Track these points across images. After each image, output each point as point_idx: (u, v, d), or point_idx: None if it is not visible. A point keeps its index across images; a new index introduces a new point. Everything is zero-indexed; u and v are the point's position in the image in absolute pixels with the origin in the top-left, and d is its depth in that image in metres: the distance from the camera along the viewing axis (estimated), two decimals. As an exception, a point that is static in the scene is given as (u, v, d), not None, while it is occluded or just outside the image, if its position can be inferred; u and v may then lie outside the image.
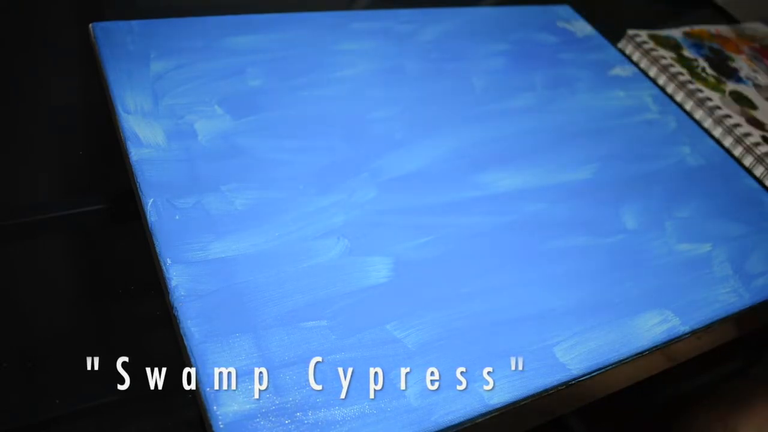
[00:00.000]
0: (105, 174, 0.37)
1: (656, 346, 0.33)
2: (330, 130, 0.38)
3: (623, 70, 0.52)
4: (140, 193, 0.32)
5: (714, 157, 0.47)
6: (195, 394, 0.27)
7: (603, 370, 0.32)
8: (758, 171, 0.47)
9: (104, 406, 0.28)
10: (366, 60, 0.44)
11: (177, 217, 0.31)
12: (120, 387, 0.28)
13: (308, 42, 0.44)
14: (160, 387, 0.29)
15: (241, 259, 0.30)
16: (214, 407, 0.25)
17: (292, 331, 0.29)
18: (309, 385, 0.27)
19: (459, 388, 0.28)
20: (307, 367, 0.27)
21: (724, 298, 0.36)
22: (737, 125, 0.49)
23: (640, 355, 0.33)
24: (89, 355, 0.29)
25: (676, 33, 0.59)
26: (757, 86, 0.55)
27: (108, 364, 0.29)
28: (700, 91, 0.52)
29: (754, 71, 0.58)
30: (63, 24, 0.45)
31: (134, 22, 0.40)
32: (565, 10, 0.57)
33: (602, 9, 0.63)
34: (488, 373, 0.29)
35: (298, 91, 0.40)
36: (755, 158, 0.47)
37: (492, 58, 0.48)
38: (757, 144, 0.48)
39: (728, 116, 0.50)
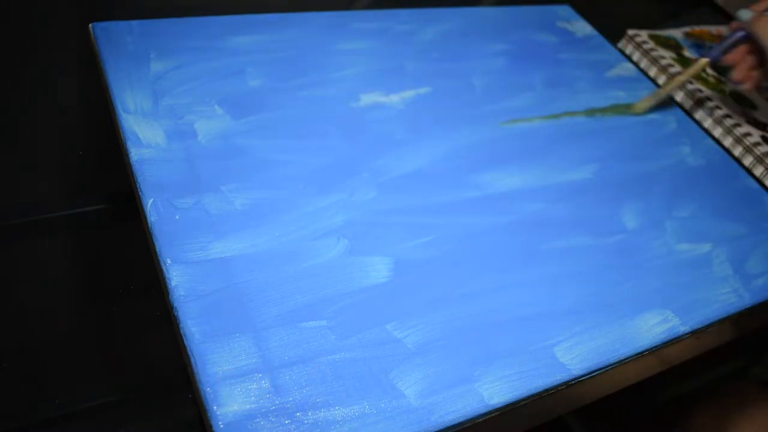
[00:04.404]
0: (105, 174, 0.37)
1: (656, 346, 0.33)
2: (330, 129, 0.38)
3: (623, 70, 0.52)
4: (140, 193, 0.32)
5: (714, 157, 0.47)
6: (195, 394, 0.27)
7: (603, 370, 0.32)
8: (758, 171, 0.47)
9: (104, 406, 0.28)
10: (366, 60, 0.44)
11: (177, 217, 0.31)
12: (120, 387, 0.28)
13: (308, 42, 0.44)
14: (160, 387, 0.29)
15: (241, 259, 0.30)
16: (214, 407, 0.25)
17: (292, 331, 0.29)
18: (309, 385, 0.27)
19: (459, 388, 0.28)
20: (307, 367, 0.28)
21: (724, 298, 0.36)
22: (737, 125, 0.49)
23: (640, 355, 0.33)
24: (89, 355, 0.29)
25: (677, 33, 0.59)
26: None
27: (108, 364, 0.29)
28: (700, 91, 0.52)
29: (754, 71, 0.57)
30: (63, 24, 0.45)
31: (134, 22, 0.40)
32: (565, 10, 0.57)
33: (602, 9, 0.63)
34: (488, 373, 0.29)
35: (298, 91, 0.40)
36: (755, 158, 0.47)
37: (492, 58, 0.48)
38: (756, 144, 0.48)
39: (728, 116, 0.50)
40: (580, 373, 0.31)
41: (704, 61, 0.47)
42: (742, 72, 0.45)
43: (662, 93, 0.48)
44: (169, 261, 0.29)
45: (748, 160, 0.48)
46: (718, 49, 0.46)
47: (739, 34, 0.45)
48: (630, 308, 0.34)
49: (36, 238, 0.33)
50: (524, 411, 0.30)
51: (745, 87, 0.45)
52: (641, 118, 0.48)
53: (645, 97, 0.48)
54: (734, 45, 0.46)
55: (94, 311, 0.31)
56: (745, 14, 0.44)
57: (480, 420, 0.29)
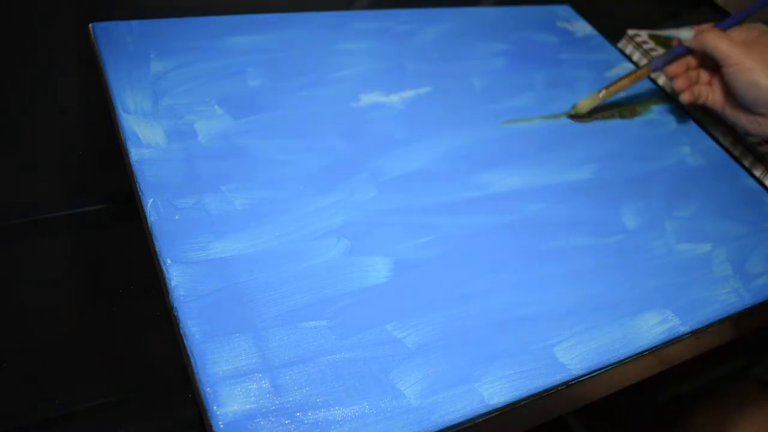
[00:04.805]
0: (105, 174, 0.37)
1: (656, 346, 0.33)
2: (330, 129, 0.38)
3: (623, 70, 0.52)
4: (140, 193, 0.32)
5: (714, 157, 0.47)
6: (195, 394, 0.27)
7: (603, 370, 0.32)
8: (758, 171, 0.47)
9: (104, 406, 0.28)
10: (366, 60, 0.44)
11: (177, 217, 0.31)
12: (120, 387, 0.28)
13: (308, 42, 0.44)
14: (160, 387, 0.29)
15: (242, 259, 0.30)
16: (214, 407, 0.25)
17: (292, 331, 0.29)
18: (309, 385, 0.27)
19: (459, 388, 0.28)
20: (307, 367, 0.28)
21: (724, 298, 0.36)
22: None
23: (640, 355, 0.33)
24: (89, 355, 0.29)
25: (677, 33, 0.59)
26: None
27: (108, 364, 0.29)
28: (700, 91, 0.52)
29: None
30: (63, 24, 0.45)
31: (134, 22, 0.40)
32: (565, 10, 0.57)
33: (602, 9, 0.63)
34: (488, 373, 0.29)
35: (298, 91, 0.40)
36: (755, 158, 0.47)
37: (492, 58, 0.48)
38: (756, 144, 0.48)
39: (728, 116, 0.50)
40: (580, 373, 0.31)
41: (648, 68, 0.47)
42: (684, 83, 0.45)
43: (604, 96, 0.46)
44: (169, 261, 0.29)
45: (748, 160, 0.48)
46: (661, 60, 0.46)
47: (682, 47, 0.46)
48: (630, 308, 0.34)
49: (36, 238, 0.33)
50: (524, 411, 0.30)
51: (683, 98, 0.45)
52: (641, 118, 0.48)
53: (587, 98, 0.47)
54: (676, 58, 0.46)
55: (94, 311, 0.31)
56: (688, 34, 0.45)
57: (480, 420, 0.29)
